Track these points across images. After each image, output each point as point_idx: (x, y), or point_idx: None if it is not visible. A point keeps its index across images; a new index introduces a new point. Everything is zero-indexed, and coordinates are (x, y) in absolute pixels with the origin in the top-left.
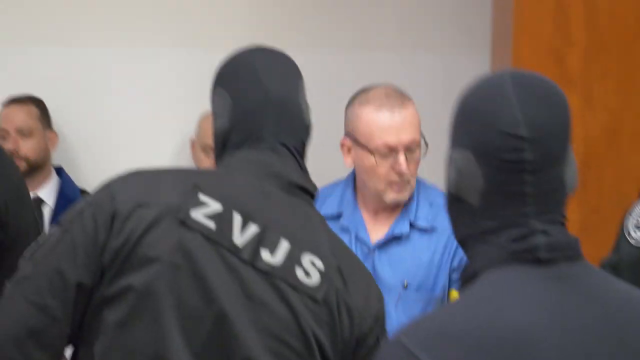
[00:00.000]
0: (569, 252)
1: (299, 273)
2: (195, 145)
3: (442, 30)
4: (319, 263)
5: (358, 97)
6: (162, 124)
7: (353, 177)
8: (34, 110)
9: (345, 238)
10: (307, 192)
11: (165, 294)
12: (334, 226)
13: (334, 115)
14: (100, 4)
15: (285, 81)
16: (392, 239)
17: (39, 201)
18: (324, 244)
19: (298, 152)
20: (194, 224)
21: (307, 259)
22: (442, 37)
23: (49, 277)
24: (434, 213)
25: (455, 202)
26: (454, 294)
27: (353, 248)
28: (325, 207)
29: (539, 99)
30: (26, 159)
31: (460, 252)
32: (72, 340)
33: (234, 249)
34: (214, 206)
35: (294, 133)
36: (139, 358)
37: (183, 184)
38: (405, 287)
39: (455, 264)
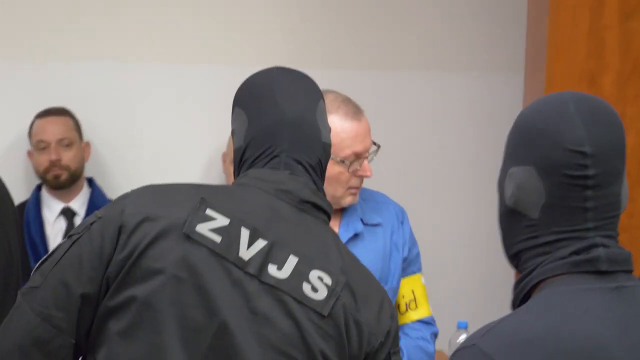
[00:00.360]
0: (626, 265)
1: (306, 288)
2: (227, 159)
3: (475, 52)
4: (327, 279)
5: None
6: (193, 138)
7: None
8: (70, 121)
9: None
10: (321, 209)
11: (167, 306)
12: None
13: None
14: (134, 20)
15: (302, 101)
16: (350, 239)
17: (70, 212)
18: (335, 261)
19: (314, 170)
20: (200, 237)
21: (315, 274)
22: (475, 58)
23: (55, 288)
24: (377, 209)
25: (512, 216)
26: (418, 279)
27: None
28: None
29: (600, 118)
30: (67, 169)
31: (407, 241)
32: (80, 349)
33: (240, 263)
34: (222, 221)
35: (309, 152)
36: None
37: (192, 199)
38: None
39: (405, 254)
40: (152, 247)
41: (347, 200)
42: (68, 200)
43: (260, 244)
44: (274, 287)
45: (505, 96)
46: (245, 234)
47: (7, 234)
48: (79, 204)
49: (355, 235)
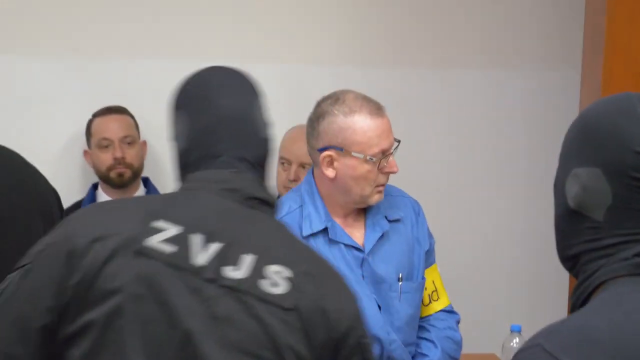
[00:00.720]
0: None
1: (265, 284)
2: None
3: (533, 46)
4: (286, 272)
5: (336, 108)
6: None
7: (315, 188)
8: (130, 120)
9: (335, 250)
10: (267, 203)
11: (128, 324)
12: (321, 241)
13: (426, 131)
14: (187, 16)
15: (239, 98)
16: (378, 239)
17: None
18: (290, 253)
19: (259, 165)
20: (151, 252)
21: (272, 269)
22: (531, 53)
23: (12, 325)
24: (396, 204)
25: (574, 217)
26: (435, 269)
27: (346, 257)
28: (312, 224)
29: None
30: (131, 167)
31: (426, 234)
32: None
33: (196, 270)
34: (172, 230)
35: (251, 147)
36: None
37: (139, 213)
38: (400, 280)
39: (427, 247)
40: (106, 268)
41: (375, 199)
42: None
43: (214, 247)
44: (232, 289)
45: (562, 92)
46: (197, 239)
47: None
48: None
49: (383, 235)
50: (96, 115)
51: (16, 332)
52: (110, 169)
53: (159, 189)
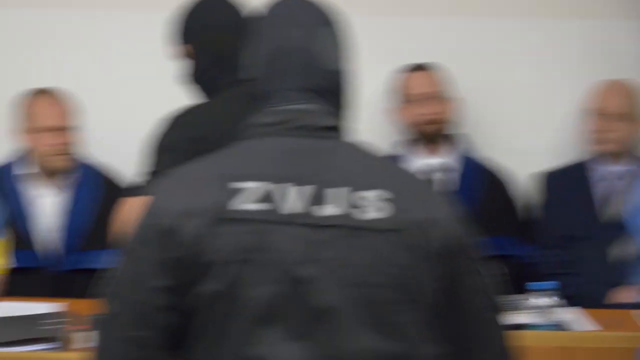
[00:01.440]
0: None
1: (363, 212)
2: None
3: None
4: (382, 194)
5: None
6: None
7: None
8: (441, 75)
9: None
10: (338, 130)
11: (241, 289)
12: None
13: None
14: None
15: (299, 29)
16: None
17: (442, 166)
18: (379, 174)
19: (330, 95)
20: (242, 214)
21: (367, 195)
22: (596, 3)
23: (132, 310)
24: None
25: None
26: None
27: None
28: None
29: None
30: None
31: None
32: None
33: (290, 218)
34: (254, 187)
35: (315, 78)
36: (233, 358)
37: (216, 178)
38: None
39: None
40: (202, 241)
41: None
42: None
43: (302, 190)
44: (332, 226)
45: (628, 42)
46: (282, 189)
47: None
48: (449, 158)
49: None
50: (407, 70)
51: (135, 316)
52: (425, 123)
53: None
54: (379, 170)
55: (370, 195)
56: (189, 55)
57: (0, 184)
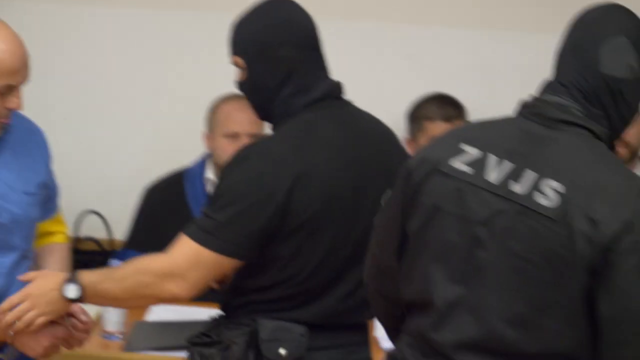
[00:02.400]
0: None
1: (539, 198)
2: None
3: None
4: (559, 187)
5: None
6: None
7: None
8: None
9: None
10: (573, 124)
11: (434, 232)
12: None
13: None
14: None
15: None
16: None
17: None
18: (570, 169)
19: (589, 94)
20: (455, 171)
21: (548, 184)
22: None
23: (390, 234)
24: None
25: None
26: None
27: None
28: None
29: None
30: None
31: None
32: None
33: (488, 186)
34: (473, 152)
35: (578, 77)
36: (418, 298)
37: (454, 138)
38: None
39: None
40: (423, 184)
41: None
42: None
43: (505, 165)
44: (514, 202)
45: None
46: (492, 160)
47: None
48: None
49: None
50: None
51: (390, 237)
52: None
53: None
54: (581, 167)
55: (553, 185)
56: (238, 65)
57: (192, 186)
